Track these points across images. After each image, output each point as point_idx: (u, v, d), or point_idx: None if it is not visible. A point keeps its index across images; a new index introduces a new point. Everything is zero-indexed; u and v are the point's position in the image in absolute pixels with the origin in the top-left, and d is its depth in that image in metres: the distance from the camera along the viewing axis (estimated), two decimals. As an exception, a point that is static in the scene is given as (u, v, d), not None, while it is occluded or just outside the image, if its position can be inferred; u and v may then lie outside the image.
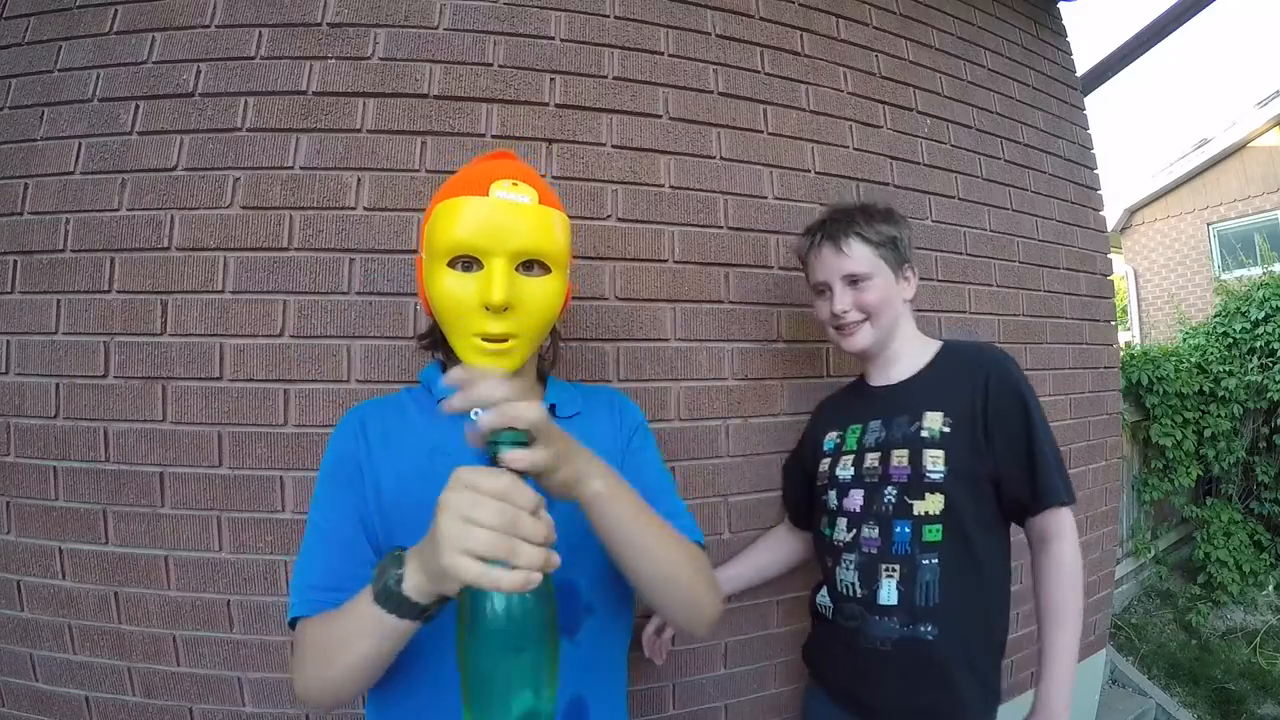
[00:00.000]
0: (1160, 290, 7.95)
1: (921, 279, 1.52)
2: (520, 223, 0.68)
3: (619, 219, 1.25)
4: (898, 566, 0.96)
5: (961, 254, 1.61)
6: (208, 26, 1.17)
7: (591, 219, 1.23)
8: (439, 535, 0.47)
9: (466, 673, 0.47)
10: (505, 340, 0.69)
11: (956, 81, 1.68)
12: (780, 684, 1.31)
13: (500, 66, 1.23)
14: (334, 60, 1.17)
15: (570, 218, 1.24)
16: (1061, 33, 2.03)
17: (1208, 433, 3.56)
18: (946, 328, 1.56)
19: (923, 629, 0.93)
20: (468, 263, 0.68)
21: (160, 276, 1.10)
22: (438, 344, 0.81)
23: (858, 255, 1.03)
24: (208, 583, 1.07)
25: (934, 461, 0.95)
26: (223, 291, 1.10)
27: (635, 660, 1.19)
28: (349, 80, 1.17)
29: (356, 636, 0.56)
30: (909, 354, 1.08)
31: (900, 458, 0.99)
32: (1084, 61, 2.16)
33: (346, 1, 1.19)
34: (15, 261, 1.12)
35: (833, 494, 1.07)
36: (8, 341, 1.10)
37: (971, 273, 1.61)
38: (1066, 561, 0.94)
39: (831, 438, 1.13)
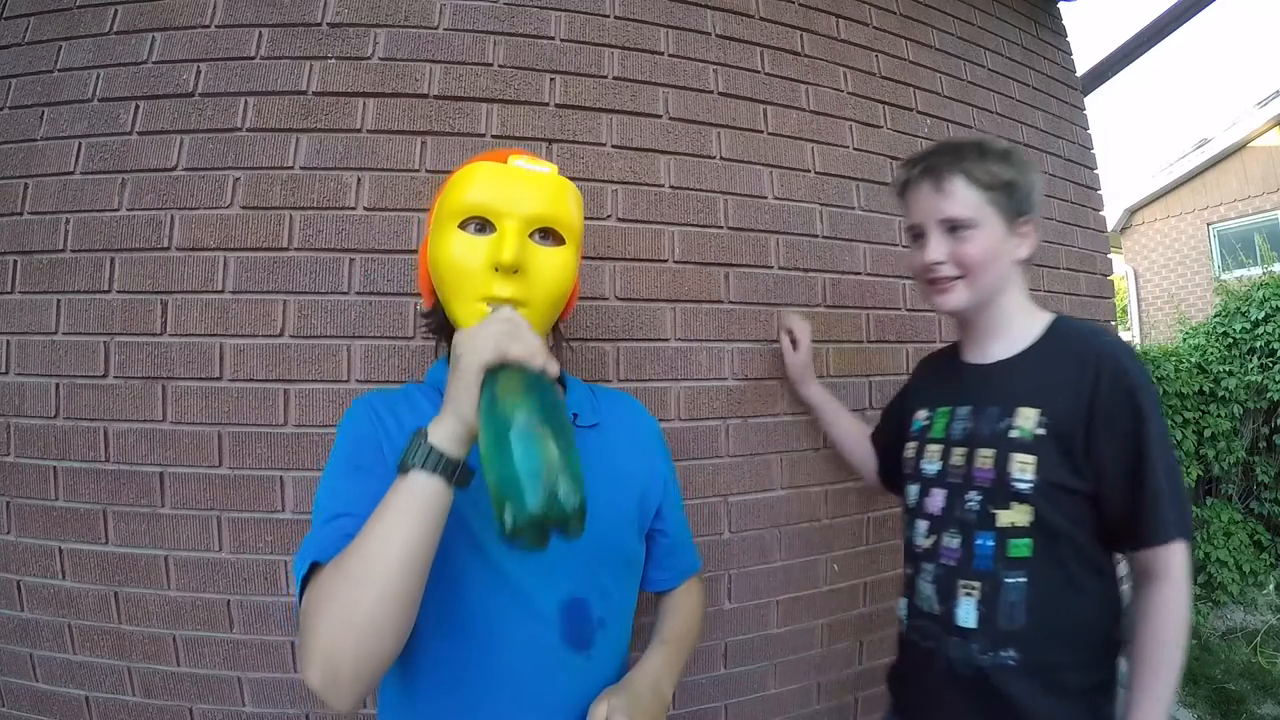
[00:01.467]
0: (1160, 290, 7.95)
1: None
2: (537, 189, 0.67)
3: (619, 219, 1.25)
4: (978, 584, 0.83)
5: (961, 254, 1.61)
6: (208, 26, 1.17)
7: (591, 219, 1.23)
8: (477, 343, 0.55)
9: (497, 477, 0.49)
10: (510, 304, 0.65)
11: (956, 81, 1.68)
12: (780, 684, 1.31)
13: (500, 66, 1.23)
14: (334, 60, 1.17)
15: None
16: (1061, 33, 2.03)
17: (1208, 433, 3.56)
18: (947, 328, 1.56)
19: (1004, 654, 0.81)
20: (480, 224, 0.67)
21: (160, 276, 1.10)
22: (442, 326, 0.77)
23: (961, 198, 0.86)
24: (208, 583, 1.07)
25: (1022, 468, 0.81)
26: (223, 291, 1.10)
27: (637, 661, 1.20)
28: (349, 80, 1.17)
29: (393, 526, 0.54)
30: (1011, 328, 0.90)
31: (985, 458, 0.85)
32: (1084, 61, 2.16)
33: (346, 1, 1.19)
34: (15, 261, 1.12)
35: (914, 489, 0.95)
36: (8, 341, 1.10)
37: (971, 273, 1.61)
38: (1171, 607, 0.77)
39: (920, 417, 1.00)
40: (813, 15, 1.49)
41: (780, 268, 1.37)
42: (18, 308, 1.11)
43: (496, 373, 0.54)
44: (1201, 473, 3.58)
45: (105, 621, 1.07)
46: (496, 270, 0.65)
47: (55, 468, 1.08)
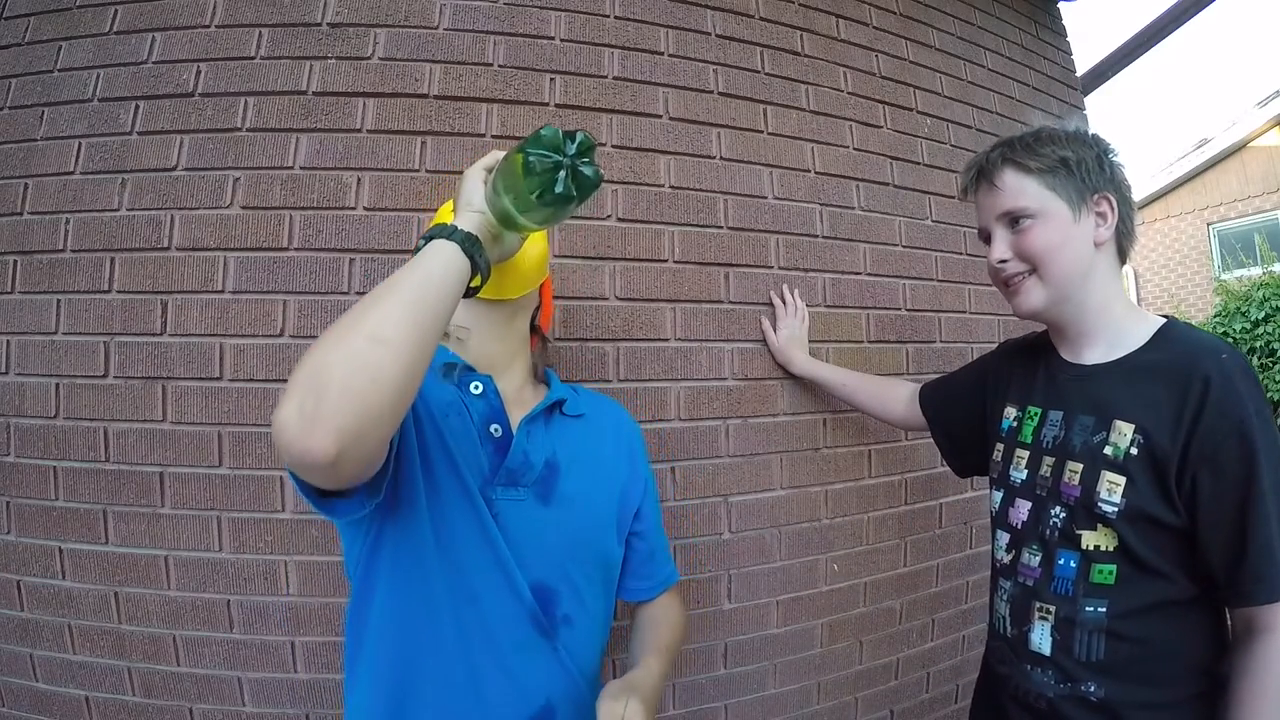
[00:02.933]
0: (1160, 290, 7.95)
1: (920, 279, 1.54)
2: None
3: (619, 219, 1.25)
4: (1054, 608, 0.77)
5: (961, 254, 1.61)
6: (208, 26, 1.17)
7: (591, 219, 1.23)
8: (472, 169, 0.66)
9: (523, 168, 0.60)
10: None
11: (956, 81, 1.68)
12: (780, 684, 1.31)
13: (500, 66, 1.22)
14: (334, 60, 1.17)
15: (570, 218, 1.25)
16: (1061, 33, 2.03)
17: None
18: (946, 328, 1.56)
19: (1084, 687, 0.75)
20: None
21: (160, 276, 1.10)
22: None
23: (1013, 187, 0.80)
24: (208, 583, 1.07)
25: (1110, 489, 0.74)
26: (223, 291, 1.10)
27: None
28: (349, 80, 1.17)
29: (404, 275, 0.57)
30: (1110, 327, 0.81)
31: (1074, 473, 0.77)
32: (1084, 61, 2.16)
33: (346, 1, 1.19)
34: (15, 261, 1.12)
35: (999, 496, 0.89)
36: (8, 341, 1.10)
37: (971, 273, 1.61)
38: (1274, 667, 0.66)
39: (1010, 416, 0.91)
40: (813, 15, 1.49)
41: (780, 268, 1.37)
42: (18, 308, 1.11)
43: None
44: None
45: (105, 621, 1.07)
46: None
47: (55, 468, 1.08)
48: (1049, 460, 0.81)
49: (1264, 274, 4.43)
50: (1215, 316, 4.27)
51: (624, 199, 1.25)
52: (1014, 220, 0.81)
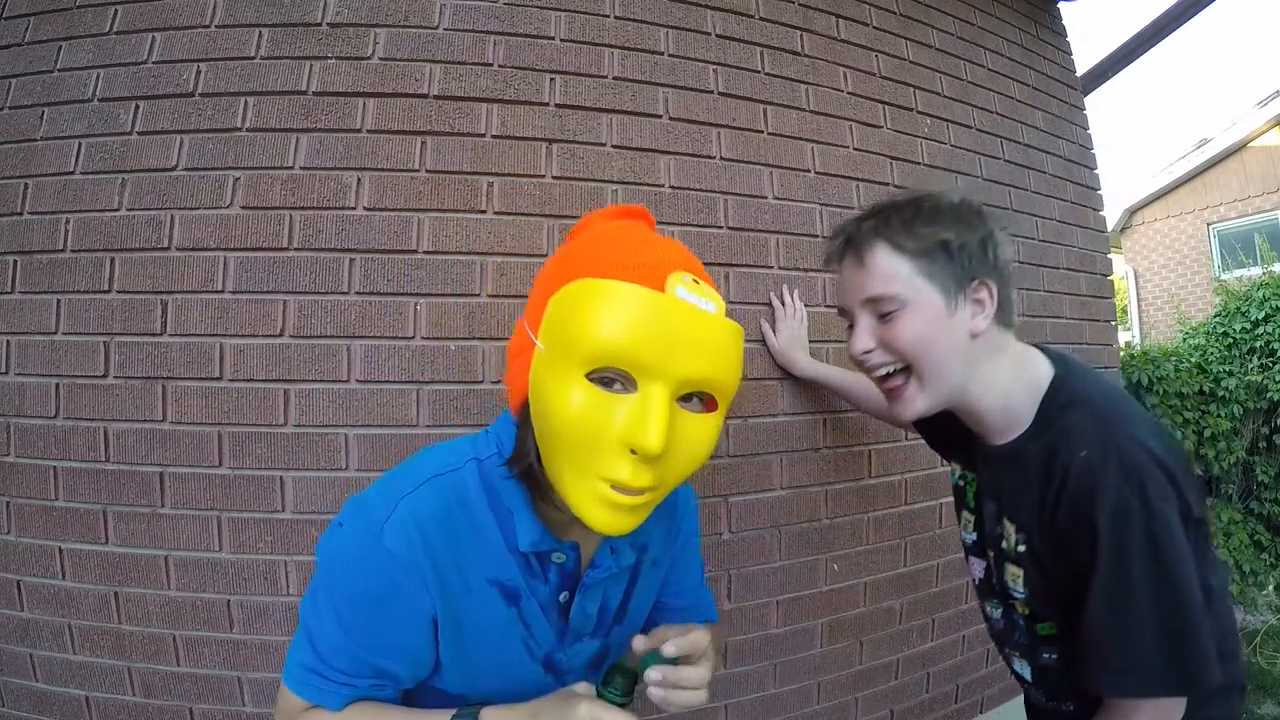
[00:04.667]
0: (1160, 290, 7.95)
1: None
2: (701, 339, 0.49)
3: (619, 219, 1.25)
4: (1018, 652, 0.83)
5: (961, 254, 1.61)
6: (208, 26, 1.17)
7: (591, 219, 1.23)
8: None
9: None
10: (643, 494, 0.50)
11: (956, 82, 1.68)
12: (780, 684, 1.31)
13: (500, 66, 1.22)
14: (334, 60, 1.17)
15: (570, 218, 1.24)
16: (1061, 33, 2.03)
17: (1208, 433, 3.56)
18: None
19: (1064, 707, 0.79)
20: (610, 379, 0.49)
21: (160, 276, 1.10)
22: (531, 471, 0.56)
23: (884, 269, 0.71)
24: (208, 583, 1.07)
25: (1013, 578, 0.76)
26: (223, 291, 1.10)
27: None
28: (349, 80, 1.17)
29: None
30: (1002, 410, 0.74)
31: (991, 555, 0.81)
32: (1084, 61, 2.16)
33: (346, 1, 1.19)
34: (15, 261, 1.12)
35: (963, 547, 0.91)
36: (8, 341, 1.10)
37: (971, 273, 1.61)
38: None
39: (955, 472, 0.92)
40: (813, 15, 1.49)
41: (780, 268, 1.37)
42: (18, 308, 1.11)
43: None
44: (1201, 473, 3.58)
45: (105, 621, 1.07)
46: (633, 453, 0.49)
47: (55, 468, 1.08)
48: (982, 532, 0.84)
49: (1264, 274, 4.43)
50: (1215, 316, 4.27)
51: (624, 199, 1.25)
52: (880, 311, 0.71)
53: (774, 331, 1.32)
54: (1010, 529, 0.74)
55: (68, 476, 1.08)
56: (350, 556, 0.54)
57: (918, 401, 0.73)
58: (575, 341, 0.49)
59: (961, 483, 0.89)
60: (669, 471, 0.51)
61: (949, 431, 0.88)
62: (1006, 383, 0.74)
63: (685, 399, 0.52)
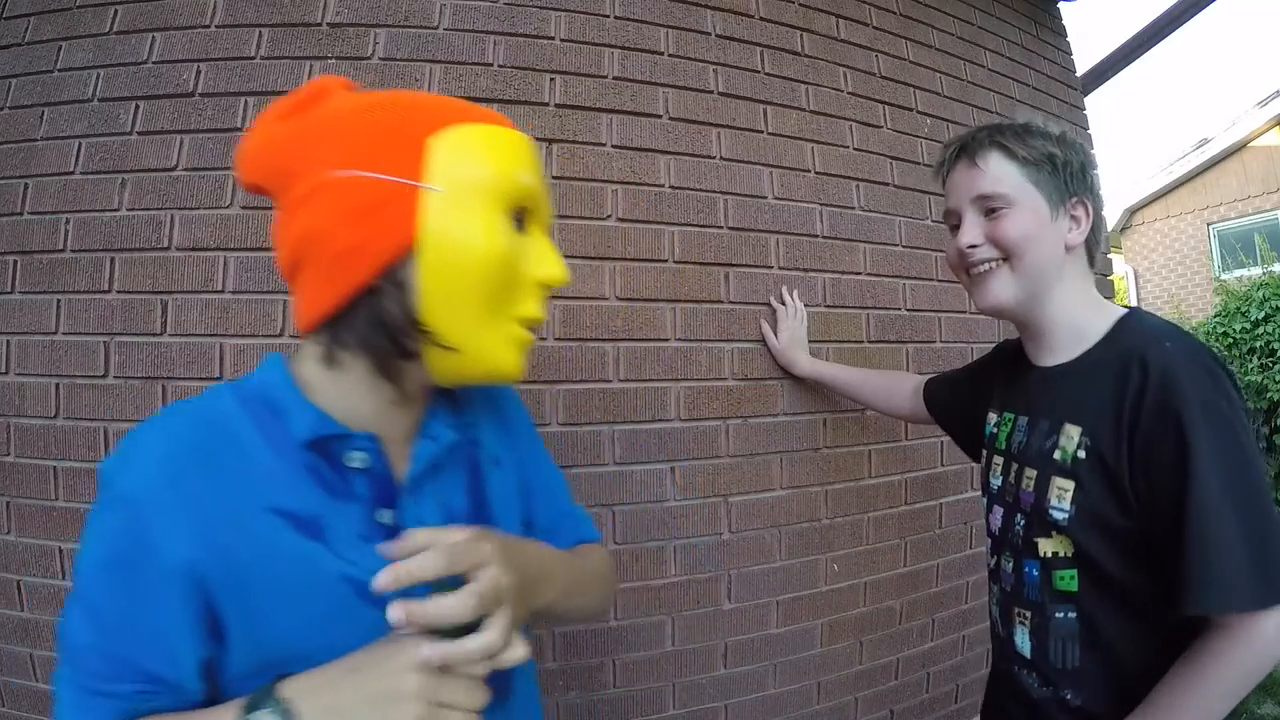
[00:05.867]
0: (1160, 290, 7.95)
1: (920, 279, 1.54)
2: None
3: (619, 219, 1.25)
4: (1029, 613, 0.77)
5: (961, 254, 1.61)
6: (208, 26, 1.17)
7: (591, 219, 1.23)
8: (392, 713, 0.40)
9: None
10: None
11: (956, 81, 1.68)
12: (780, 684, 1.31)
13: (500, 66, 1.22)
14: (334, 60, 1.17)
15: (570, 218, 1.24)
16: (1061, 33, 2.03)
17: (1208, 433, 3.56)
18: (946, 328, 1.56)
19: (1063, 694, 0.73)
20: (519, 221, 0.51)
21: (160, 276, 1.10)
22: (340, 344, 0.48)
23: (995, 171, 0.76)
24: (208, 583, 1.07)
25: (1059, 495, 0.71)
26: (223, 291, 1.10)
27: (637, 661, 1.20)
28: (349, 80, 1.17)
29: None
30: (1072, 326, 0.77)
31: (1029, 479, 0.76)
32: (1084, 61, 2.16)
33: (346, 1, 1.19)
34: (15, 261, 1.12)
35: (985, 501, 0.88)
36: (8, 341, 1.10)
37: (971, 273, 1.61)
38: (1233, 661, 0.60)
39: (991, 422, 0.89)
40: (813, 15, 1.49)
41: (780, 268, 1.37)
42: (18, 308, 1.11)
43: None
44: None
45: (105, 621, 1.07)
46: (542, 287, 0.52)
47: (55, 468, 1.08)
48: (1014, 467, 0.80)
49: (1264, 274, 4.43)
50: (1215, 316, 4.27)
51: (624, 199, 1.26)
52: (990, 207, 0.77)
53: (774, 332, 1.32)
54: (1073, 432, 0.71)
55: (68, 476, 1.08)
56: (89, 526, 0.45)
57: (1007, 290, 0.77)
58: (495, 181, 0.48)
59: (995, 429, 0.87)
60: None
61: (973, 391, 0.95)
62: (1081, 306, 0.78)
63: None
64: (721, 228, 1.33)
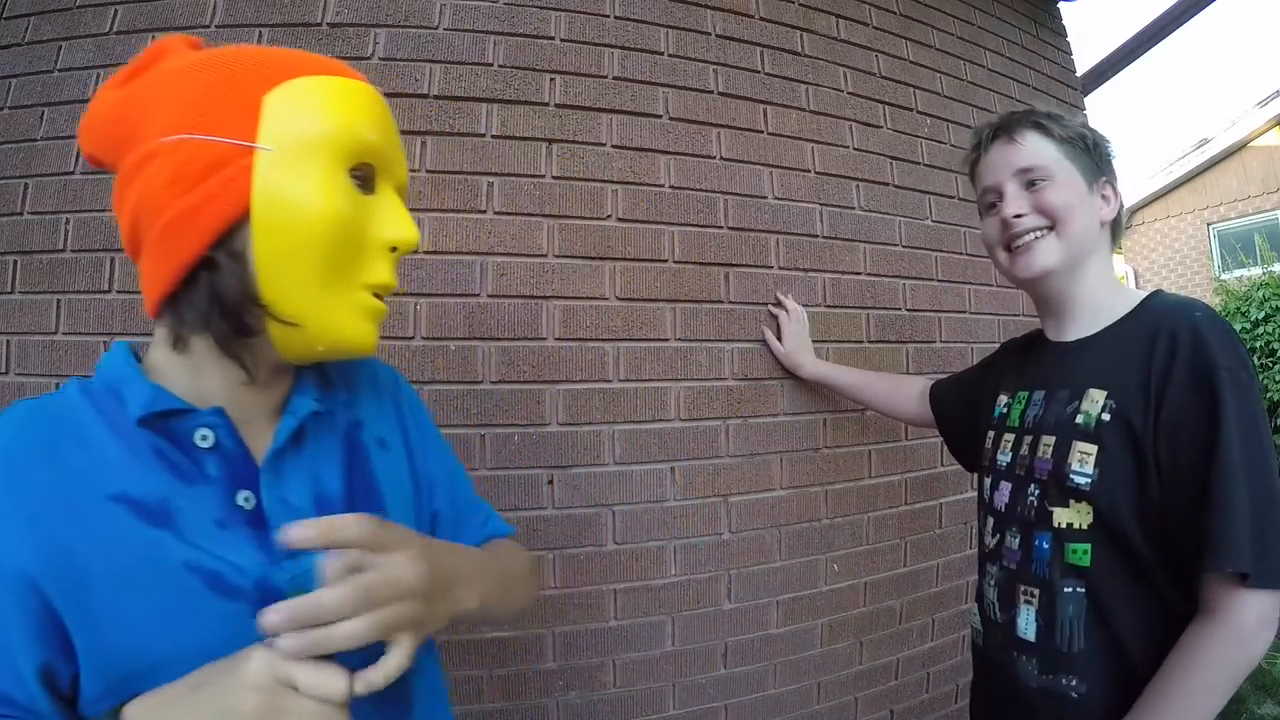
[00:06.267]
0: (1160, 290, 7.95)
1: (920, 279, 1.54)
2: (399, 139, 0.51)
3: (619, 219, 1.25)
4: (1036, 591, 0.75)
5: (961, 254, 1.61)
6: (208, 26, 1.16)
7: (591, 219, 1.23)
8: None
9: None
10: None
11: (956, 81, 1.68)
12: (780, 684, 1.31)
13: (500, 66, 1.22)
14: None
15: (570, 218, 1.24)
16: (1061, 33, 2.03)
17: (1208, 433, 3.56)
18: (946, 328, 1.56)
19: (1065, 681, 0.71)
20: (364, 180, 0.47)
21: (160, 276, 1.10)
22: (187, 325, 0.46)
23: (1036, 148, 0.79)
24: (208, 583, 1.07)
25: (1082, 459, 0.71)
26: (223, 291, 1.10)
27: (637, 661, 1.20)
28: (349, 80, 1.17)
29: None
30: (1097, 302, 0.80)
31: (1047, 446, 0.76)
32: (1084, 61, 2.16)
33: (346, 1, 1.18)
34: (15, 261, 1.12)
35: (988, 482, 0.87)
36: (8, 341, 1.10)
37: (971, 273, 1.61)
38: (1214, 650, 0.61)
39: (1002, 401, 0.90)
40: (813, 15, 1.49)
41: (780, 268, 1.37)
42: (18, 308, 1.11)
43: None
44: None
45: (105, 621, 1.07)
46: (393, 251, 0.49)
47: (55, 468, 1.08)
48: (1028, 439, 0.80)
49: (1264, 274, 4.43)
50: (1215, 316, 4.28)
51: (624, 199, 1.25)
52: (1031, 179, 0.79)
53: (778, 337, 1.32)
54: (1098, 396, 0.72)
55: (68, 476, 1.08)
56: None
57: (1053, 256, 0.78)
58: (330, 136, 0.44)
59: (1006, 409, 0.88)
60: None
61: (979, 384, 0.98)
62: (1108, 283, 0.81)
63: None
64: (721, 228, 1.33)
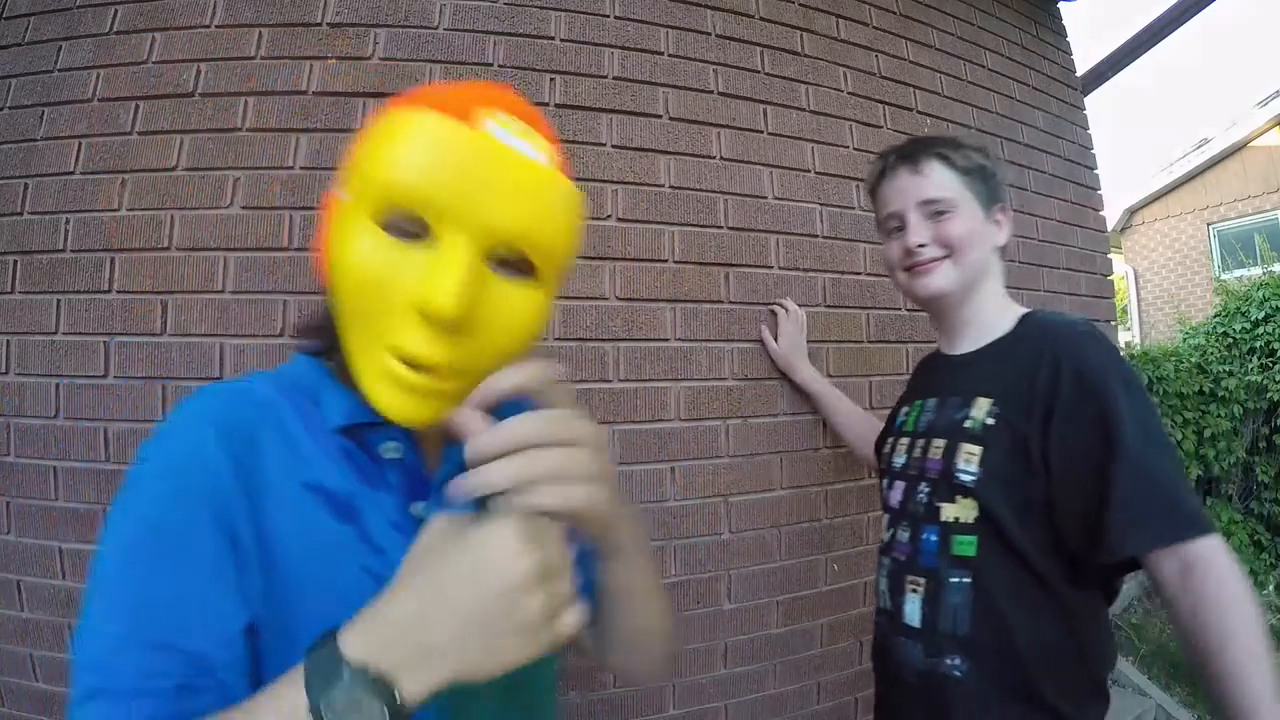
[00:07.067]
0: (1160, 290, 7.95)
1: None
2: (519, 187, 0.41)
3: (619, 219, 1.25)
4: (922, 580, 0.80)
5: (961, 254, 1.61)
6: (208, 26, 1.17)
7: (591, 219, 1.23)
8: (512, 618, 0.32)
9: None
10: (434, 372, 0.40)
11: (956, 81, 1.68)
12: (780, 684, 1.31)
13: (500, 66, 1.23)
14: (334, 60, 1.17)
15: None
16: (1061, 33, 2.03)
17: (1207, 433, 3.56)
18: (946, 328, 1.56)
19: (948, 661, 0.76)
20: (412, 231, 0.40)
21: (160, 276, 1.10)
22: (332, 348, 0.47)
23: (939, 179, 0.85)
24: (208, 583, 1.07)
25: (968, 459, 0.77)
26: (223, 291, 1.10)
27: (635, 660, 1.19)
28: (349, 80, 1.17)
29: None
30: (985, 320, 0.87)
31: (937, 448, 0.82)
32: (1084, 61, 2.16)
33: (346, 1, 1.19)
34: (15, 261, 1.12)
35: (884, 483, 0.94)
36: (8, 341, 1.10)
37: (971, 273, 1.61)
38: (1213, 592, 0.62)
39: (902, 411, 0.98)
40: (813, 15, 1.49)
41: (780, 268, 1.37)
42: (18, 308, 1.11)
43: None
44: (1201, 473, 3.58)
45: (105, 621, 1.07)
46: (424, 316, 0.39)
47: (55, 468, 1.08)
48: (921, 442, 0.87)
49: (1264, 274, 4.43)
50: (1215, 316, 4.27)
51: (624, 199, 1.26)
52: (935, 210, 0.85)
53: (774, 338, 1.32)
54: (984, 403, 0.79)
55: (68, 476, 1.08)
56: (120, 508, 0.40)
57: (948, 278, 0.85)
58: (367, 182, 0.40)
59: (905, 417, 0.95)
60: (477, 350, 0.41)
61: (897, 410, 1.02)
62: (995, 302, 0.88)
63: (502, 265, 0.42)
64: (721, 228, 1.33)
